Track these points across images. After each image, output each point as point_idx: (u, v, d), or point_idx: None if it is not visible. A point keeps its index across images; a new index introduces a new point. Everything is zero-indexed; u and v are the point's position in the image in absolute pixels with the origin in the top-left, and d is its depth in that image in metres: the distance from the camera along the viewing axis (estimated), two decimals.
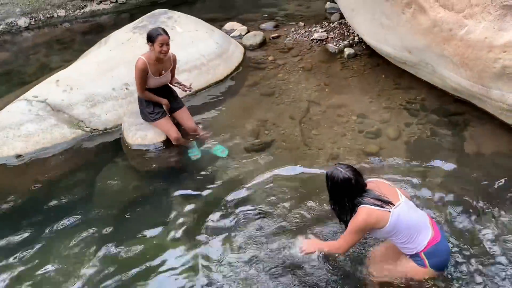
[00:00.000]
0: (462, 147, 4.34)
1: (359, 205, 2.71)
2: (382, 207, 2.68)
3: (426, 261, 2.77)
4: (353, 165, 2.83)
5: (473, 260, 3.10)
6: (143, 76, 4.32)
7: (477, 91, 4.39)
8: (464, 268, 3.06)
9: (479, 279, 2.99)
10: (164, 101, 4.58)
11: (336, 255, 3.06)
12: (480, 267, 3.06)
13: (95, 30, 8.78)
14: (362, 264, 3.11)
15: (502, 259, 3.10)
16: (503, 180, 3.82)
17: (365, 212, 2.68)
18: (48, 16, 9.45)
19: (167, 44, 4.23)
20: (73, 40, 8.59)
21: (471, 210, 3.54)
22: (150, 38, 4.22)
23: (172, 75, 4.65)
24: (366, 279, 3.03)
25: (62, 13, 9.57)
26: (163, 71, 4.44)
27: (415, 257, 2.81)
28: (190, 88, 4.70)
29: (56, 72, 5.74)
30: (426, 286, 2.86)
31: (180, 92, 4.96)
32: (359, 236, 2.80)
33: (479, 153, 4.25)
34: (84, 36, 8.67)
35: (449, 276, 2.98)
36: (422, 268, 2.80)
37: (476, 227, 3.38)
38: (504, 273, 3.01)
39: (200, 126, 4.90)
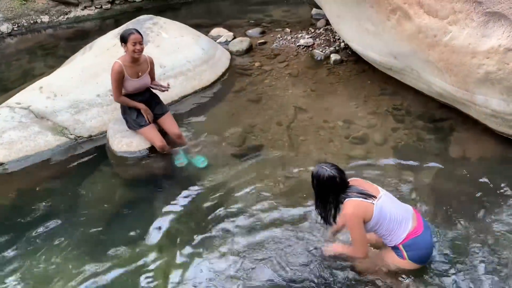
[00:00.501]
0: (447, 152, 4.38)
1: (344, 200, 2.80)
2: (366, 199, 2.77)
3: (405, 253, 2.85)
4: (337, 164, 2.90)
5: (455, 260, 3.15)
6: (119, 78, 4.28)
7: (461, 96, 4.45)
8: (444, 266, 3.11)
9: (458, 278, 3.04)
10: (141, 106, 4.48)
11: (360, 258, 3.04)
12: (460, 267, 3.10)
13: (79, 36, 8.72)
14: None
15: (483, 260, 3.15)
16: (487, 184, 3.86)
17: (352, 205, 2.77)
18: (31, 22, 9.34)
19: (140, 43, 4.23)
20: (56, 46, 8.51)
21: (456, 214, 3.57)
22: (123, 39, 4.22)
23: (152, 78, 4.61)
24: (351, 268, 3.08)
25: (45, 18, 9.47)
26: (140, 73, 4.41)
27: (394, 248, 2.89)
28: (167, 87, 4.62)
29: (39, 78, 5.66)
30: (402, 277, 2.94)
31: (164, 98, 4.92)
32: (362, 230, 2.81)
33: (464, 158, 4.29)
34: (68, 42, 8.60)
35: (429, 270, 3.05)
36: (401, 260, 2.88)
37: (460, 229, 3.41)
38: (481, 274, 3.05)
39: (185, 133, 4.84)
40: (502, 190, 3.77)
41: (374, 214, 2.76)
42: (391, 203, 2.87)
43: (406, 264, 2.89)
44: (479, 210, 3.58)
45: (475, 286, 2.97)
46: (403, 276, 2.95)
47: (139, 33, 4.24)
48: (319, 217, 2.99)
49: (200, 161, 4.49)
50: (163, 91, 4.64)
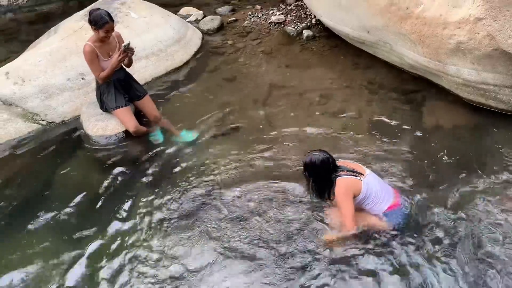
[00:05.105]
0: (421, 123, 4.47)
1: (335, 178, 3.07)
2: (355, 176, 3.08)
3: (385, 218, 3.15)
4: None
5: (430, 223, 3.30)
6: (93, 58, 4.20)
7: (433, 67, 4.53)
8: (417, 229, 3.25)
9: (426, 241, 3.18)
10: (114, 59, 4.22)
11: (351, 233, 3.14)
12: (431, 233, 3.23)
13: (42, 20, 8.37)
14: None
15: (454, 225, 3.27)
16: (460, 151, 3.98)
17: (343, 182, 3.06)
18: None
19: (113, 30, 4.19)
20: (19, 30, 8.16)
21: (431, 181, 3.69)
22: (96, 24, 4.08)
23: None
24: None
25: (4, 2, 9.08)
26: (110, 52, 4.31)
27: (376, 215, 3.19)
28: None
29: (3, 64, 5.42)
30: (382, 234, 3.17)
31: (138, 79, 4.82)
32: (351, 203, 3.05)
33: (437, 127, 4.39)
34: (31, 26, 8.25)
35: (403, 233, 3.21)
36: (381, 222, 3.16)
37: (435, 197, 3.51)
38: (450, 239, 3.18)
39: (163, 115, 4.77)
40: (474, 157, 3.89)
41: (362, 189, 3.06)
42: (377, 182, 3.17)
43: (385, 224, 3.16)
44: (452, 177, 3.70)
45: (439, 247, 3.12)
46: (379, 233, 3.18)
47: (112, 19, 4.16)
48: (314, 196, 3.28)
49: (190, 135, 4.47)
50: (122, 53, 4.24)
